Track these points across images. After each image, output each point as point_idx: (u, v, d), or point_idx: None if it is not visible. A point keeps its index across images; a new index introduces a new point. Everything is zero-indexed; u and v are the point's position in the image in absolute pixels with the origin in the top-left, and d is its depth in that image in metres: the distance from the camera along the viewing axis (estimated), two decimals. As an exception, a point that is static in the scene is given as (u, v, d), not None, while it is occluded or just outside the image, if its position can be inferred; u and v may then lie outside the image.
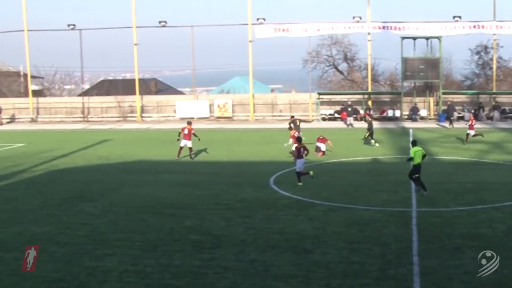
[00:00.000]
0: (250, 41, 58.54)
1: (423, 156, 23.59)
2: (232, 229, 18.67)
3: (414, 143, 24.58)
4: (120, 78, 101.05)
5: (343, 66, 76.34)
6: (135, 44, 60.64)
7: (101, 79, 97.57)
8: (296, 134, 32.80)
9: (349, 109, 53.25)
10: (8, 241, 18.11)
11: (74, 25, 62.23)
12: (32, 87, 67.89)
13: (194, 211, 21.16)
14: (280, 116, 57.83)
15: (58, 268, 15.31)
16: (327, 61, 75.86)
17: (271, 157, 33.65)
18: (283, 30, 58.38)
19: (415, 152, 23.53)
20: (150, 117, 60.96)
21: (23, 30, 62.94)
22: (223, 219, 19.85)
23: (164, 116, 60.53)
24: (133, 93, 61.78)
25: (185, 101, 61.90)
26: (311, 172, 26.05)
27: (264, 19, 58.18)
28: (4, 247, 17.45)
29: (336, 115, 56.97)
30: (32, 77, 70.50)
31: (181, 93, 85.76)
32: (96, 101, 64.07)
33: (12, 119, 63.45)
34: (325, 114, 57.41)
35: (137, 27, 60.45)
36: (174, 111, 59.80)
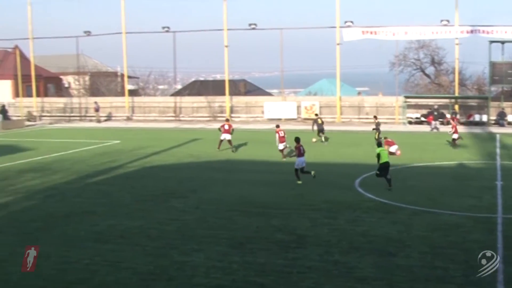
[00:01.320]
0: (338, 44, 58.25)
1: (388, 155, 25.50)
2: (317, 229, 18.66)
3: (380, 144, 26.19)
4: (211, 79, 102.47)
5: (430, 69, 75.11)
6: (226, 46, 61.28)
7: (193, 79, 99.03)
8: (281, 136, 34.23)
9: (435, 113, 52.23)
10: (103, 233, 18.68)
11: (168, 27, 63.44)
12: (128, 86, 69.64)
13: (280, 211, 21.25)
14: (366, 118, 57.29)
15: (149, 261, 15.69)
16: (414, 64, 74.80)
17: (356, 159, 33.38)
18: (371, 33, 57.78)
19: (382, 151, 25.26)
20: (238, 117, 61.47)
21: (121, 33, 64.60)
22: (308, 219, 19.86)
23: (252, 117, 60.93)
24: (223, 93, 62.48)
25: (273, 102, 62.08)
26: (312, 172, 26.71)
27: (352, 22, 57.77)
28: (100, 239, 18.02)
29: (422, 118, 55.97)
30: (129, 77, 72.30)
31: (269, 94, 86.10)
32: (187, 101, 65.11)
33: (109, 117, 65.26)
34: (411, 118, 56.50)
35: (228, 29, 61.10)
36: (262, 112, 60.09)
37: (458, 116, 53.05)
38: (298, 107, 59.36)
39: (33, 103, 67.33)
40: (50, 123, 63.16)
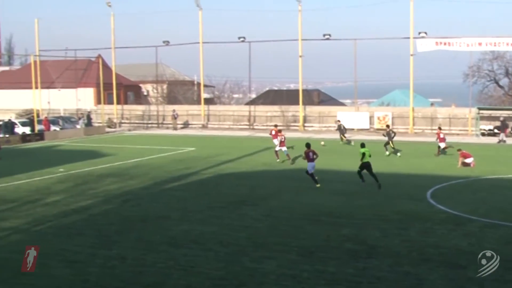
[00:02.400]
0: (411, 55, 57.51)
1: (369, 156, 27.78)
2: (388, 240, 18.43)
3: (363, 145, 28.28)
4: (285, 88, 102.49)
5: (504, 81, 73.32)
6: (300, 56, 61.31)
7: (267, 89, 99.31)
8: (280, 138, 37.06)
9: (500, 124, 50.66)
10: (177, 238, 18.94)
11: (244, 37, 63.94)
12: (204, 95, 70.42)
13: (351, 220, 21.08)
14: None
15: (221, 267, 15.82)
16: (488, 76, 73.14)
17: (428, 171, 32.83)
18: (445, 44, 56.76)
19: (365, 152, 27.63)
20: (311, 126, 61.35)
21: (198, 43, 65.49)
22: (379, 230, 19.63)
23: (325, 126, 60.69)
24: (297, 103, 62.48)
25: (346, 112, 61.71)
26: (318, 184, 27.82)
27: (426, 33, 56.92)
28: (174, 243, 18.28)
29: (495, 130, 54.54)
30: (205, 86, 73.14)
31: (342, 104, 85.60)
32: (261, 110, 65.39)
33: (185, 125, 66.17)
34: (484, 130, 55.15)
35: (303, 39, 61.12)
36: (335, 122, 59.77)
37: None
38: (371, 117, 58.81)
39: (114, 110, 68.88)
40: (129, 130, 64.52)
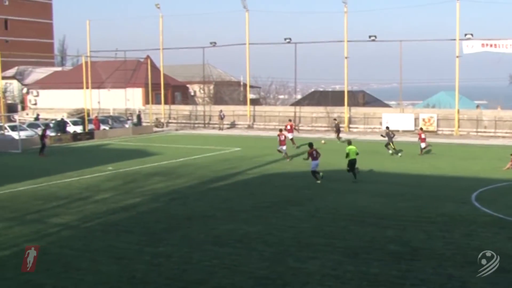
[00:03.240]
0: (457, 57, 56.71)
1: (357, 153, 29.25)
2: (431, 242, 18.21)
3: (350, 143, 30.14)
4: (330, 89, 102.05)
5: (551, 82, 71.82)
6: (346, 58, 60.99)
7: (312, 90, 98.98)
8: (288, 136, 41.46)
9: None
10: (222, 237, 19.04)
11: (290, 38, 63.85)
12: (250, 96, 70.56)
13: (395, 222, 20.90)
14: (484, 132, 55.37)
15: (265, 266, 15.85)
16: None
17: (473, 173, 32.34)
18: (491, 46, 55.79)
19: (350, 149, 29.15)
20: (356, 128, 60.95)
21: (245, 44, 65.65)
22: (423, 232, 19.42)
23: (370, 128, 60.25)
24: (342, 104, 62.17)
25: (391, 113, 61.13)
26: (321, 173, 29.28)
27: (472, 35, 56.04)
28: (219, 242, 18.38)
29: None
30: (251, 86, 73.26)
31: (387, 105, 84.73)
32: (307, 111, 65.23)
33: (231, 125, 66.39)
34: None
35: (349, 41, 60.80)
36: (380, 123, 59.30)
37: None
38: (416, 119, 58.15)
39: (161, 110, 69.49)
40: (176, 130, 65.04)
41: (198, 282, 14.77)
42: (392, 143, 40.68)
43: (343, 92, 63.80)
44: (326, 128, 61.29)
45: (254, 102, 75.93)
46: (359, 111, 63.40)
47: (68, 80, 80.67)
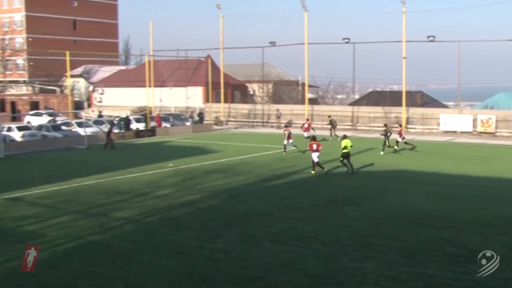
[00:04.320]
0: (518, 58, 55.40)
1: (351, 146, 31.85)
2: (488, 245, 17.80)
3: (345, 137, 32.83)
4: (388, 89, 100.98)
5: None
6: (404, 58, 60.16)
7: (370, 89, 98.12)
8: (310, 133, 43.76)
9: None
10: (279, 235, 19.09)
11: (348, 38, 63.39)
12: (308, 95, 70.35)
13: (452, 224, 20.55)
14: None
15: (320, 265, 15.83)
16: None
17: (534, 176, 31.56)
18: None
19: (346, 143, 31.52)
20: (414, 128, 60.08)
21: (303, 43, 65.48)
22: (480, 235, 19.06)
23: (428, 129, 59.34)
24: (400, 104, 61.36)
25: (449, 114, 60.06)
26: (324, 169, 31.64)
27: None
28: (276, 240, 18.44)
29: None
30: (309, 86, 73.03)
31: (445, 106, 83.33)
32: (364, 111, 64.67)
33: (289, 124, 66.23)
34: None
35: (407, 41, 59.94)
36: (438, 124, 58.38)
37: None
38: (474, 120, 57.00)
39: (221, 108, 69.97)
40: (235, 128, 65.37)
41: (255, 279, 14.87)
42: (388, 141, 40.83)
43: (401, 92, 62.97)
44: (382, 128, 60.51)
45: (312, 101, 75.68)
46: (417, 111, 62.47)
47: (131, 78, 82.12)
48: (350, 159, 31.97)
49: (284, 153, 40.04)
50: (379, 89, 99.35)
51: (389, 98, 72.29)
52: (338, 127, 58.94)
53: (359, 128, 62.33)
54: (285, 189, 27.72)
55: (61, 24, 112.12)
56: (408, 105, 62.38)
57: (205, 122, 65.90)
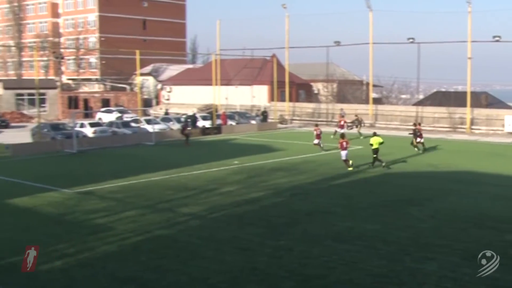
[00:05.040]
0: None
1: (380, 143, 32.69)
2: (554, 249, 17.38)
3: (375, 134, 33.95)
4: (452, 90, 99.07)
5: None
6: (469, 58, 58.94)
7: (435, 90, 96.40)
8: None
9: None
10: (342, 233, 19.04)
11: (413, 38, 62.55)
12: (372, 95, 69.74)
13: (516, 227, 20.11)
14: None
15: (382, 265, 15.73)
16: None
17: None
18: None
19: (374, 140, 32.73)
20: (478, 129, 58.80)
21: (368, 43, 64.97)
22: (546, 238, 18.58)
23: (492, 130, 57.95)
24: (464, 105, 60.11)
25: (515, 116, 58.48)
26: (351, 162, 32.70)
27: None
28: (338, 238, 18.40)
29: None
30: (374, 86, 72.41)
31: (510, 107, 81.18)
32: (428, 111, 63.57)
33: (352, 124, 65.76)
34: None
35: (472, 41, 58.70)
36: (503, 126, 56.94)
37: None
38: (541, 121, 55.36)
39: (286, 107, 70.01)
40: (299, 127, 65.28)
41: (317, 276, 14.88)
42: (415, 140, 40.86)
43: (465, 93, 61.70)
44: (448, 129, 59.57)
45: (377, 101, 74.94)
46: (482, 112, 61.05)
47: (198, 77, 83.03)
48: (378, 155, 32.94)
49: (322, 151, 40.59)
50: (443, 90, 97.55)
51: (453, 99, 70.88)
52: (400, 127, 58.46)
53: (423, 128, 61.23)
54: (348, 188, 27.60)
55: (131, 24, 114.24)
56: (473, 106, 61.03)
57: (270, 120, 66.00)
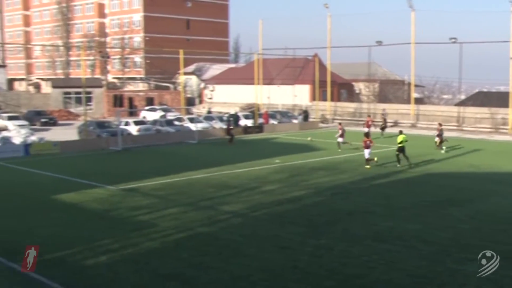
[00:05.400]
0: None
1: (406, 141, 33.43)
2: None
3: (401, 132, 34.21)
4: (494, 90, 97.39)
5: None
6: (511, 58, 57.93)
7: (477, 90, 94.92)
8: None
9: None
10: (382, 233, 18.96)
11: (455, 38, 61.81)
12: (414, 95, 69.05)
13: (559, 229, 19.75)
14: None
15: (422, 265, 15.63)
16: None
17: None
18: None
19: (401, 138, 33.27)
20: (522, 130, 57.78)
21: (409, 43, 64.35)
22: None
23: (536, 130, 56.87)
24: (506, 105, 59.03)
25: (561, 116, 57.23)
26: (375, 159, 33.36)
27: None
28: (378, 238, 18.33)
29: None
30: (415, 86, 71.64)
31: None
32: (470, 112, 62.65)
33: (395, 123, 65.25)
34: None
35: (514, 41, 57.60)
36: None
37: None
38: None
39: (327, 106, 69.83)
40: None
41: (357, 276, 14.87)
42: (441, 139, 41.85)
43: (507, 93, 60.54)
44: (490, 130, 58.64)
45: (418, 101, 74.12)
46: (525, 112, 59.89)
47: (240, 76, 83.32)
48: (406, 152, 33.32)
49: (349, 144, 41.71)
50: (485, 90, 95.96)
51: (496, 99, 69.65)
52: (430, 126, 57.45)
53: (464, 129, 60.51)
54: (389, 187, 27.44)
55: (175, 23, 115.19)
56: (515, 106, 59.87)
57: (311, 120, 65.84)
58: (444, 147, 40.80)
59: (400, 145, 33.29)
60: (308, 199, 24.58)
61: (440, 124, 43.51)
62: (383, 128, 53.61)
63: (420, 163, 34.64)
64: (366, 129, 46.56)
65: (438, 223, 20.34)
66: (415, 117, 64.62)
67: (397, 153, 33.52)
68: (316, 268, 15.47)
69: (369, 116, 55.74)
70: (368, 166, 32.88)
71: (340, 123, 44.60)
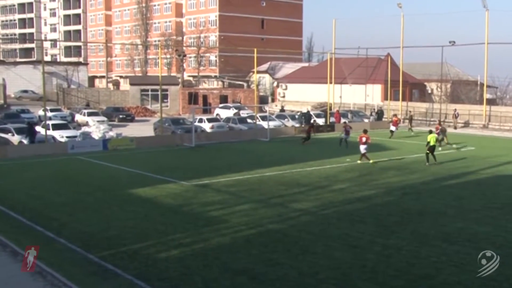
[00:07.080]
0: None
1: (436, 140, 34.37)
2: None
3: (431, 132, 34.87)
4: None
5: None
6: None
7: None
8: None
9: None
10: (452, 235, 18.60)
11: (532, 39, 59.87)
12: (486, 95, 67.25)
13: None
14: None
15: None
16: None
17: None
18: None
19: (431, 137, 33.52)
20: None
21: (483, 43, 62.74)
22: None
23: None
24: None
25: None
26: (371, 161, 33.87)
27: None
28: (448, 239, 18.00)
29: None
30: (488, 86, 69.76)
31: None
32: (545, 112, 60.64)
33: (466, 124, 63.75)
34: None
35: None
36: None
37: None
38: None
39: (399, 106, 68.77)
40: (413, 126, 63.78)
41: (425, 276, 14.66)
42: (446, 137, 42.46)
43: None
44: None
45: (490, 102, 72.14)
46: None
47: (313, 75, 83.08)
48: (434, 152, 33.76)
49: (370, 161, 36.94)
50: None
51: None
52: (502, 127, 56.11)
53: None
54: (459, 189, 26.85)
55: (250, 23, 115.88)
56: None
57: (383, 119, 64.99)
58: (454, 145, 41.98)
59: (431, 144, 33.55)
60: (378, 199, 24.33)
61: (440, 123, 43.84)
62: (455, 128, 52.50)
63: (491, 165, 33.75)
64: (392, 128, 49.39)
65: (509, 226, 19.80)
66: (487, 118, 62.93)
67: (427, 152, 33.68)
68: (384, 267, 15.32)
69: (395, 115, 55.58)
70: (371, 161, 33.94)
71: (345, 123, 44.85)
